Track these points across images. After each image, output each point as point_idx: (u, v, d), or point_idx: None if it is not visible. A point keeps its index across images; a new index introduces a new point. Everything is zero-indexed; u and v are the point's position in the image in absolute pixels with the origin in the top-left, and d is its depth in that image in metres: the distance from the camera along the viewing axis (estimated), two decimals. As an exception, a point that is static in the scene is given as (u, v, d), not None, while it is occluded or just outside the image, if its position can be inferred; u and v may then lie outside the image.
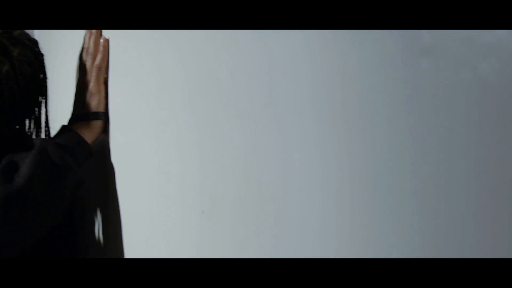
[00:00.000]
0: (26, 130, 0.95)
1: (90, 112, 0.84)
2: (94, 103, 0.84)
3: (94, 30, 0.87)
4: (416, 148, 0.32)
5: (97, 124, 0.84)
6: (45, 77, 0.96)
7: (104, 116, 0.85)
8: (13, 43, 0.89)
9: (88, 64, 0.86)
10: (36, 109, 0.95)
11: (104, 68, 0.86)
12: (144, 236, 0.76)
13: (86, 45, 0.88)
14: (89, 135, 0.83)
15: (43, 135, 0.98)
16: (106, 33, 0.88)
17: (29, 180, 0.72)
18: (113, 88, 0.86)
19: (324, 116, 0.39)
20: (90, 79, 0.85)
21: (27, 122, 0.95)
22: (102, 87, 0.85)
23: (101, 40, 0.86)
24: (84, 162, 0.82)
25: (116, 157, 0.86)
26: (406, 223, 0.33)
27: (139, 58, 0.76)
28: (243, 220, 0.49)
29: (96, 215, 1.00)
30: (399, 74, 0.33)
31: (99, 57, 0.85)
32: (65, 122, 0.90)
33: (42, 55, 0.96)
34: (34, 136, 0.97)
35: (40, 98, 0.95)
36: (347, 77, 0.37)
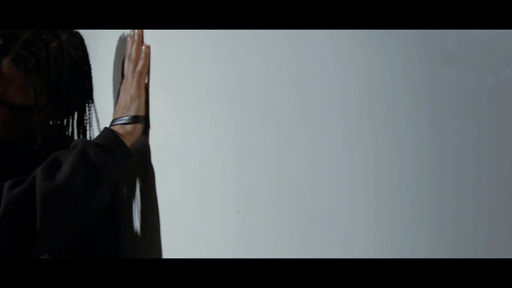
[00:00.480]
0: (70, 127, 0.99)
1: (130, 116, 0.87)
2: (134, 107, 0.87)
3: (136, 37, 0.90)
4: (439, 153, 0.32)
5: (137, 127, 0.87)
6: (89, 69, 0.99)
7: (144, 120, 0.88)
8: (62, 30, 0.94)
9: (130, 70, 0.89)
10: (80, 103, 0.99)
11: (145, 74, 0.89)
12: (182, 236, 0.78)
13: (128, 52, 0.91)
14: (129, 137, 0.85)
15: (86, 133, 1.02)
16: (146, 35, 0.91)
17: (69, 178, 0.75)
18: (153, 92, 0.89)
19: (352, 119, 0.39)
20: (132, 84, 0.88)
21: (71, 118, 0.99)
22: (143, 92, 0.88)
23: (143, 47, 0.89)
24: (122, 164, 0.84)
25: (156, 159, 0.88)
26: (433, 224, 0.33)
27: (178, 61, 0.77)
28: (278, 219, 0.50)
29: (135, 215, 1.03)
30: (422, 79, 0.33)
31: (140, 63, 0.88)
32: (107, 124, 0.94)
33: (87, 53, 1.00)
34: (76, 134, 1.01)
35: (83, 93, 0.98)
36: (372, 80, 0.37)
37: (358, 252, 0.39)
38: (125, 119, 0.87)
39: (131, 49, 0.90)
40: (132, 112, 0.87)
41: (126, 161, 0.86)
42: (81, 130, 1.01)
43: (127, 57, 0.91)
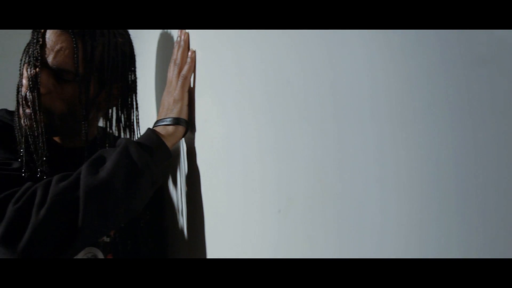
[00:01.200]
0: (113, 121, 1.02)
1: (172, 118, 0.89)
2: (176, 109, 0.90)
3: (182, 43, 0.93)
4: (470, 155, 0.32)
5: (178, 129, 0.90)
6: (133, 59, 1.02)
7: (185, 123, 0.90)
8: None
9: (175, 74, 0.92)
10: (124, 94, 1.01)
11: (189, 78, 0.91)
12: (224, 235, 0.80)
13: (174, 57, 0.94)
14: (170, 138, 0.88)
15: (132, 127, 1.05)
16: (191, 40, 0.93)
17: (111, 175, 0.78)
18: (199, 94, 0.91)
19: (385, 120, 0.40)
20: (176, 87, 0.91)
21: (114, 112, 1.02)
22: (186, 95, 0.91)
23: (189, 53, 0.92)
24: (162, 163, 0.87)
25: (201, 159, 0.91)
26: (465, 225, 0.33)
27: (222, 64, 0.79)
28: (317, 218, 0.51)
29: (181, 213, 1.05)
30: (455, 81, 0.33)
31: (186, 67, 0.91)
32: (148, 124, 0.96)
33: (132, 44, 1.03)
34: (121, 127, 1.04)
35: (127, 85, 1.01)
36: (404, 81, 0.38)
37: (398, 252, 0.40)
38: (167, 120, 0.89)
39: (177, 54, 0.93)
40: (174, 114, 0.90)
41: (166, 160, 0.88)
42: (125, 121, 1.03)
43: (172, 61, 0.94)
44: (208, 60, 0.87)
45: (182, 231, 1.05)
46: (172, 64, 0.94)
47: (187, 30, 0.95)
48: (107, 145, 0.98)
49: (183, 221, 1.04)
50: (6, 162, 0.86)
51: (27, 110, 0.89)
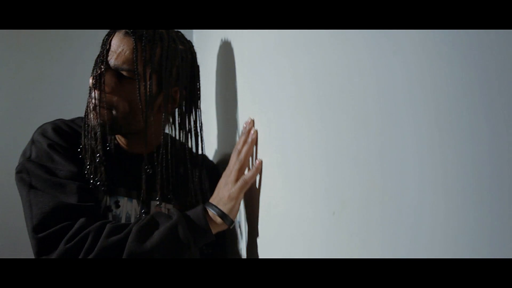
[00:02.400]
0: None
1: (223, 212, 0.94)
2: (229, 207, 0.94)
3: (249, 139, 0.96)
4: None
5: (223, 223, 0.95)
6: (194, 68, 1.06)
7: (230, 223, 0.95)
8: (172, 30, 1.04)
9: (236, 168, 0.96)
10: (186, 101, 1.06)
11: (249, 184, 0.95)
12: (280, 236, 0.82)
13: (239, 148, 0.97)
14: (215, 226, 0.94)
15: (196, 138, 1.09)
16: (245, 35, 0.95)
17: (155, 248, 0.84)
18: (256, 94, 0.92)
19: (435, 122, 0.40)
20: (234, 184, 0.95)
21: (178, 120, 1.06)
22: (242, 196, 0.95)
23: (256, 161, 0.95)
24: (202, 245, 0.94)
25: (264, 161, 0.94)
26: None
27: (276, 68, 0.81)
28: (370, 220, 0.52)
29: (238, 216, 1.08)
30: (497, 80, 0.34)
31: (249, 174, 0.95)
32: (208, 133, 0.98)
33: (195, 54, 1.07)
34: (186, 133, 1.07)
35: (189, 92, 1.05)
36: (446, 81, 0.38)
37: (451, 252, 0.40)
38: (218, 211, 0.94)
39: (242, 148, 0.97)
40: (226, 210, 0.94)
41: (207, 242, 0.95)
42: (188, 128, 1.08)
43: (236, 151, 0.97)
44: (263, 65, 0.89)
45: (240, 233, 1.08)
46: (235, 154, 0.97)
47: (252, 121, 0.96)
48: (169, 155, 1.03)
49: (241, 224, 1.07)
50: (65, 183, 0.93)
51: (91, 106, 0.98)
